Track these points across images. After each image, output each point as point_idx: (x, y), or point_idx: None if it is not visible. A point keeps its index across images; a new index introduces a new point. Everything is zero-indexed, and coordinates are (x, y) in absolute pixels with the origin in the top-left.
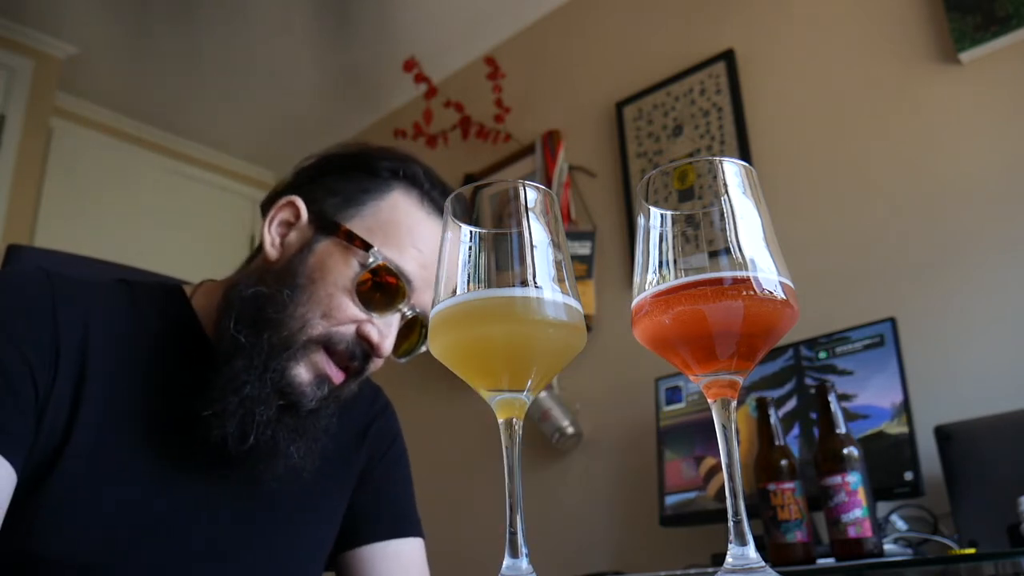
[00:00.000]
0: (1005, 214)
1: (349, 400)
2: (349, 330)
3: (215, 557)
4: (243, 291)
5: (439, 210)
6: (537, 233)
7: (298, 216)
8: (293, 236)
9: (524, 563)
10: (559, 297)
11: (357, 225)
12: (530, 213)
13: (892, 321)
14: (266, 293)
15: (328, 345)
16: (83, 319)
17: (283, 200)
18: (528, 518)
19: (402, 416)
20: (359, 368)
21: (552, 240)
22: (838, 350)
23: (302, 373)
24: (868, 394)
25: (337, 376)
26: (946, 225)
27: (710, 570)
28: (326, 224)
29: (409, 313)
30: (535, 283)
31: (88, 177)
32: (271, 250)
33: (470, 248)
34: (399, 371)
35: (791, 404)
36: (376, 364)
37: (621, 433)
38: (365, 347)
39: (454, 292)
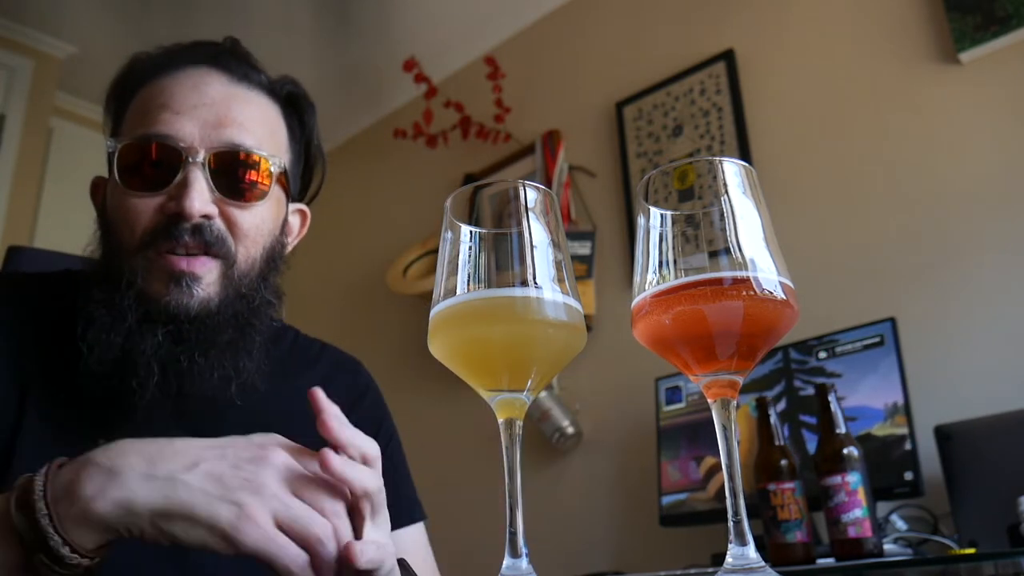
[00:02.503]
0: (1005, 214)
1: (310, 358)
2: (155, 221)
3: (175, 560)
4: (88, 262)
5: (172, 64)
6: (537, 233)
7: (106, 185)
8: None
9: (524, 563)
10: (559, 297)
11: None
12: (530, 213)
13: (892, 321)
14: (99, 250)
15: (152, 245)
16: (14, 321)
17: (91, 187)
18: (528, 518)
19: (401, 417)
20: (200, 244)
21: (552, 240)
22: (827, 353)
23: (153, 285)
24: (858, 396)
25: (187, 264)
26: (946, 225)
27: (710, 570)
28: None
29: (201, 157)
30: (535, 283)
31: (88, 177)
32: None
33: (470, 248)
34: (399, 371)
35: (780, 406)
36: (236, 232)
37: (621, 433)
38: (179, 220)
39: (454, 292)
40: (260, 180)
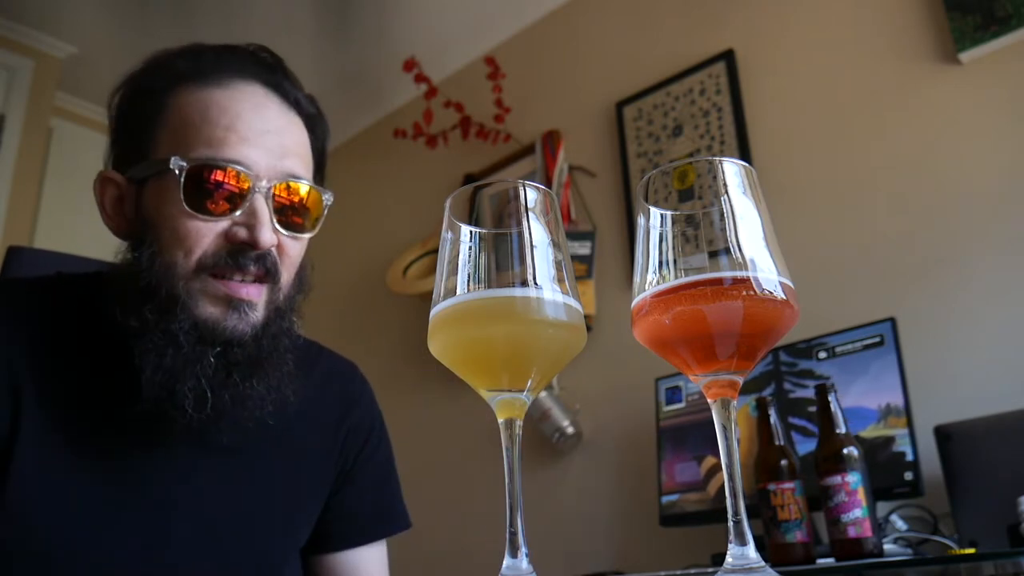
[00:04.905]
0: (1005, 214)
1: (308, 361)
2: (217, 246)
3: (179, 562)
4: (114, 277)
5: (221, 73)
6: (537, 233)
7: (118, 185)
8: (127, 205)
9: (524, 563)
10: (559, 297)
11: (160, 151)
12: (530, 213)
13: (892, 321)
14: (130, 268)
15: (213, 272)
16: (5, 328)
17: (96, 183)
18: (528, 518)
19: (402, 416)
20: (262, 272)
21: (552, 240)
22: (827, 354)
23: (209, 310)
24: (849, 398)
25: (247, 291)
26: (946, 225)
27: (710, 570)
28: (135, 171)
29: (265, 186)
30: (535, 283)
31: (88, 177)
32: (117, 229)
33: (470, 248)
34: (399, 371)
35: None
36: (284, 260)
37: (621, 433)
38: (246, 249)
39: (454, 292)
40: (314, 214)
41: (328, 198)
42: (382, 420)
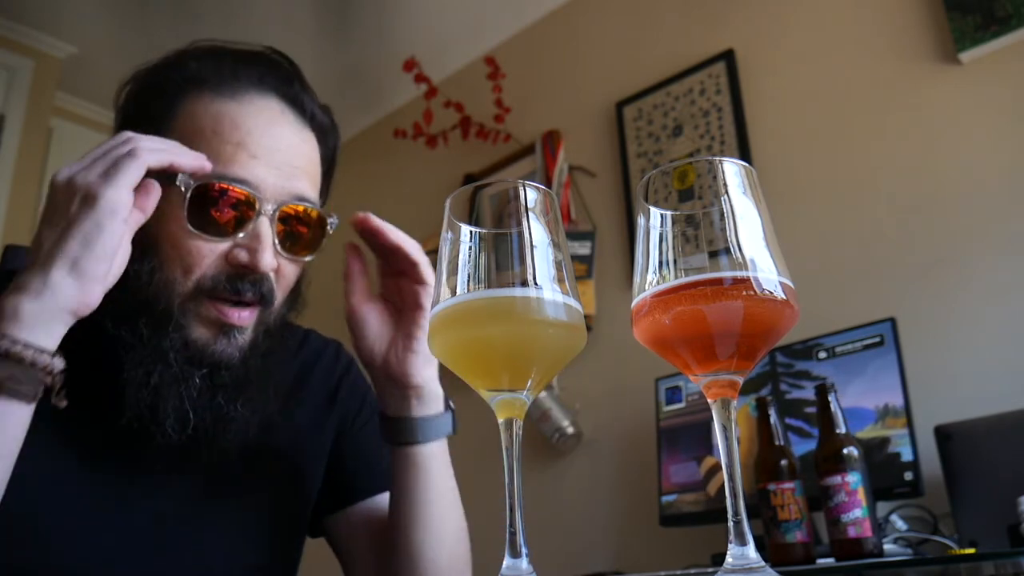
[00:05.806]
0: (1005, 214)
1: (293, 346)
2: (217, 267)
3: (166, 570)
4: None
5: (238, 83)
6: (537, 233)
7: None
8: None
9: (524, 563)
10: (559, 297)
11: None
12: (530, 213)
13: (892, 321)
14: (124, 279)
15: (209, 293)
16: None
17: None
18: (528, 518)
19: None
20: (257, 297)
21: (552, 240)
22: (820, 355)
23: (199, 332)
24: (847, 399)
25: (239, 317)
26: (946, 225)
27: (710, 570)
28: None
29: (271, 208)
30: (535, 283)
31: None
32: None
33: (470, 248)
34: None
35: None
36: (280, 282)
37: (621, 433)
38: (245, 273)
39: (454, 292)
40: (316, 238)
41: (333, 222)
42: (371, 391)
